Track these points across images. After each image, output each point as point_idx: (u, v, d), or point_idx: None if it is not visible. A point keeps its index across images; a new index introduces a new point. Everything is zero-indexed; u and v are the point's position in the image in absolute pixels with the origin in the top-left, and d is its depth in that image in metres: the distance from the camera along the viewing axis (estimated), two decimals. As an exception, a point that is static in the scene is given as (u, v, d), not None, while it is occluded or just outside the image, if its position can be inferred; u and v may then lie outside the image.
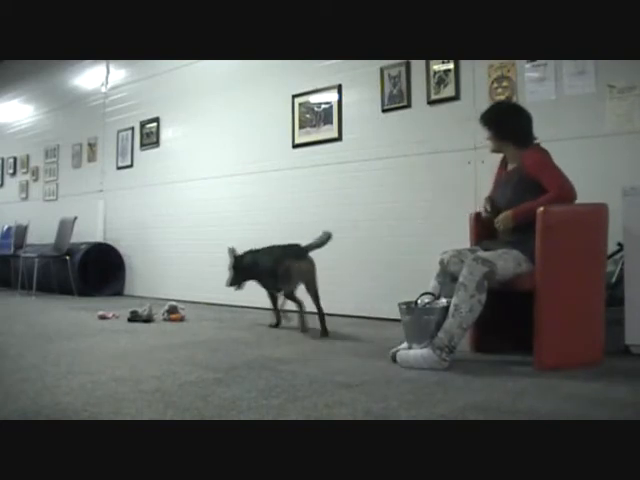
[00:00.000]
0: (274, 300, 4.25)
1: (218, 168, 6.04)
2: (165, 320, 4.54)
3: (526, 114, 3.10)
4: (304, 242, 3.93)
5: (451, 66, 4.34)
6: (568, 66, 3.80)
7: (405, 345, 2.87)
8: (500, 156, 3.22)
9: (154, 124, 6.80)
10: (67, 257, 6.63)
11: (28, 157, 8.91)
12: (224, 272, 4.33)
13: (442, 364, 2.71)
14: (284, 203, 5.42)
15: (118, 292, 6.98)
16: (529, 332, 2.76)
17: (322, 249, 3.91)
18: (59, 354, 3.12)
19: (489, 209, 3.11)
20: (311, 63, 5.19)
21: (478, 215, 3.25)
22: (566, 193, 2.84)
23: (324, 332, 3.76)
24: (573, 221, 2.86)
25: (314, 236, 3.94)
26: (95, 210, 7.50)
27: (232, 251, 4.25)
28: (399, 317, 2.94)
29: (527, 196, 2.91)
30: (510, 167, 3.12)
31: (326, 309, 3.86)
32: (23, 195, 8.99)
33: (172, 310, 4.66)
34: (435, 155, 4.43)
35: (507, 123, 3.07)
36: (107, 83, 7.55)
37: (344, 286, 4.81)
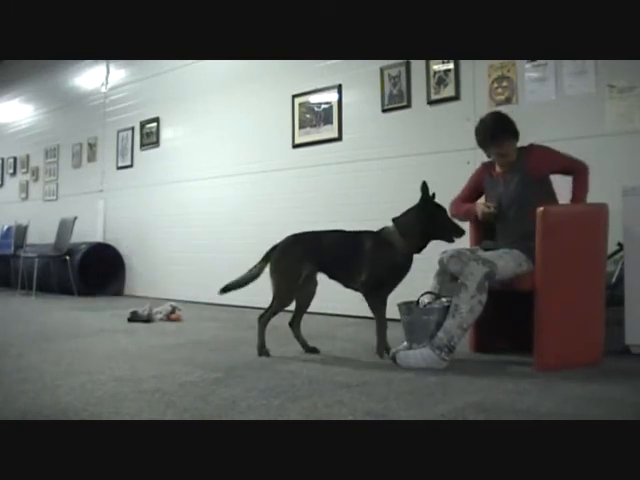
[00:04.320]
0: None
1: (218, 168, 6.04)
2: (162, 320, 4.54)
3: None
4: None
5: (451, 66, 4.34)
6: (568, 66, 3.80)
7: (405, 345, 2.87)
8: (480, 160, 3.25)
9: (154, 124, 6.80)
10: (67, 257, 6.64)
11: (28, 157, 8.91)
12: (223, 272, 4.32)
13: (441, 364, 2.71)
14: (284, 203, 5.41)
15: (118, 292, 6.98)
16: (529, 332, 2.76)
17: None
18: (59, 354, 3.12)
19: (494, 210, 3.07)
20: (311, 63, 5.20)
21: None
22: (586, 166, 3.00)
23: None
24: (573, 221, 2.86)
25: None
26: (95, 210, 7.51)
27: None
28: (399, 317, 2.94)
29: (532, 193, 2.93)
30: (499, 170, 3.11)
31: (327, 309, 3.85)
32: (23, 195, 8.99)
33: (172, 310, 4.66)
34: (435, 155, 4.43)
35: (512, 124, 3.07)
36: (107, 83, 7.55)
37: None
